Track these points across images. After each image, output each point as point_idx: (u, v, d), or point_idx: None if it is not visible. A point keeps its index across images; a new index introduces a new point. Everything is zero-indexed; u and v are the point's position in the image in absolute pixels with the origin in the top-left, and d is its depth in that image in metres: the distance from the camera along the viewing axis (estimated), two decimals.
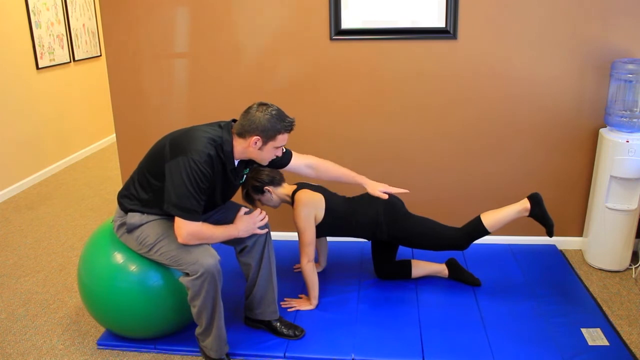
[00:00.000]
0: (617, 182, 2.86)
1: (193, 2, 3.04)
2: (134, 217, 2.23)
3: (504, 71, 2.98)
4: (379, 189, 2.50)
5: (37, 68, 4.71)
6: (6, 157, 4.39)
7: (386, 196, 2.51)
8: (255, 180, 2.62)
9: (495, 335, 2.42)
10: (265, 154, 2.18)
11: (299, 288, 2.83)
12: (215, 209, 2.37)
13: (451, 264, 2.87)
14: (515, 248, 3.22)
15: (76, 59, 5.28)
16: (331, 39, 3.02)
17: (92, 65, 5.62)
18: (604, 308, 2.63)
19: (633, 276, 2.94)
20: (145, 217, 2.23)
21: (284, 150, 2.43)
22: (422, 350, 2.34)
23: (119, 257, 2.30)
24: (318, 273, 2.78)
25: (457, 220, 3.26)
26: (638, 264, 2.99)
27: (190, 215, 2.06)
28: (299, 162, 2.48)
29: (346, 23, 2.98)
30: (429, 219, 2.66)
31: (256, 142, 2.12)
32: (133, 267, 2.27)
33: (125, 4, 3.08)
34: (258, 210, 2.33)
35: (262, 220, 2.30)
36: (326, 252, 3.01)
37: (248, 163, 2.36)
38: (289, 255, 3.18)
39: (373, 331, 2.48)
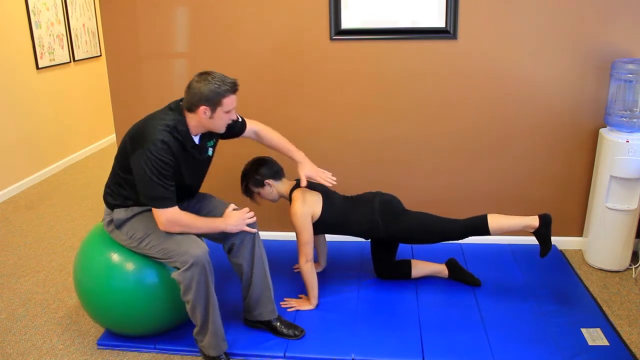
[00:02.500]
0: (617, 182, 2.86)
1: (193, 2, 3.04)
2: (120, 213, 2.28)
3: (504, 71, 2.98)
4: (305, 174, 2.50)
5: (37, 68, 4.71)
6: (6, 157, 4.39)
7: (305, 182, 2.50)
8: (256, 174, 2.63)
9: (495, 335, 2.42)
10: (218, 121, 2.19)
11: (299, 288, 2.83)
12: (192, 192, 2.38)
13: (451, 264, 2.87)
14: (515, 248, 3.22)
15: (76, 59, 5.28)
16: (331, 39, 3.02)
17: (92, 65, 5.62)
18: (604, 308, 2.63)
19: (633, 276, 2.94)
20: (130, 211, 2.27)
21: (239, 118, 2.45)
22: (422, 350, 2.34)
23: (114, 256, 2.30)
24: (318, 273, 2.78)
25: None
26: (638, 264, 2.99)
27: (162, 202, 2.11)
28: (249, 128, 2.53)
29: (346, 23, 2.98)
30: (425, 213, 2.66)
31: (205, 112, 2.14)
32: (129, 266, 2.28)
33: (125, 4, 3.08)
34: (246, 208, 2.35)
35: (250, 218, 2.33)
36: (326, 252, 3.01)
37: (212, 135, 2.35)
38: (289, 256, 3.17)
39: (373, 331, 2.48)
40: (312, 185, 2.68)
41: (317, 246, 2.95)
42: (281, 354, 2.36)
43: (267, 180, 2.64)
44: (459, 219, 2.62)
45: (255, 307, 2.46)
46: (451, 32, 2.93)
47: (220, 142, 3.20)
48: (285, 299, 2.72)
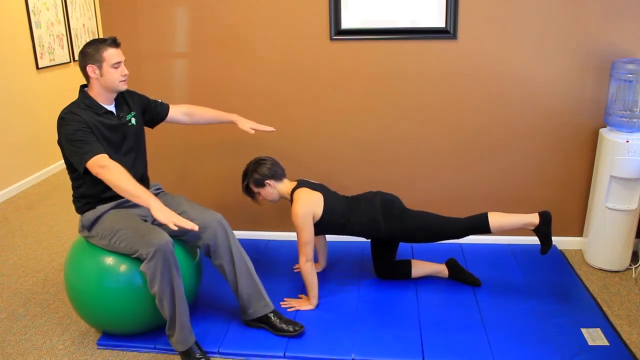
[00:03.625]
0: (617, 182, 2.86)
1: (193, 2, 3.04)
2: (88, 215, 2.34)
3: (504, 71, 2.98)
4: (248, 126, 2.69)
5: (37, 68, 4.71)
6: (6, 157, 4.39)
7: (253, 131, 2.68)
8: (257, 174, 2.64)
9: (495, 335, 2.42)
10: (109, 77, 2.28)
11: (299, 288, 2.83)
12: (138, 178, 2.37)
13: (451, 264, 2.87)
14: (515, 248, 3.22)
15: (76, 59, 5.28)
16: (331, 39, 3.01)
17: None
18: (604, 308, 2.63)
19: (633, 276, 2.94)
20: (98, 211, 2.34)
21: (160, 101, 2.61)
22: (422, 350, 2.34)
23: (102, 258, 2.32)
24: (318, 273, 2.78)
25: None
26: (638, 264, 2.99)
27: (88, 154, 2.18)
28: (176, 111, 2.65)
29: (346, 23, 2.98)
30: (426, 212, 2.66)
31: (94, 71, 2.27)
32: (119, 265, 2.30)
33: (125, 4, 3.08)
34: (189, 223, 2.14)
35: (179, 223, 2.11)
36: (326, 252, 3.01)
37: (130, 108, 2.45)
38: (289, 255, 3.18)
39: (373, 331, 2.48)
40: (313, 186, 2.69)
41: (318, 246, 2.96)
42: (281, 354, 2.35)
43: (267, 181, 2.64)
44: (459, 218, 2.62)
45: (249, 306, 2.47)
46: (451, 32, 2.93)
47: (221, 141, 3.21)
48: (285, 299, 2.72)
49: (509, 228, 2.56)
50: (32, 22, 4.59)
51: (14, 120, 4.48)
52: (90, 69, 2.26)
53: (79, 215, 2.42)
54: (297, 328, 2.45)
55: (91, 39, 2.27)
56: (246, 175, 2.69)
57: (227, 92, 3.17)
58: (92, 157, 2.17)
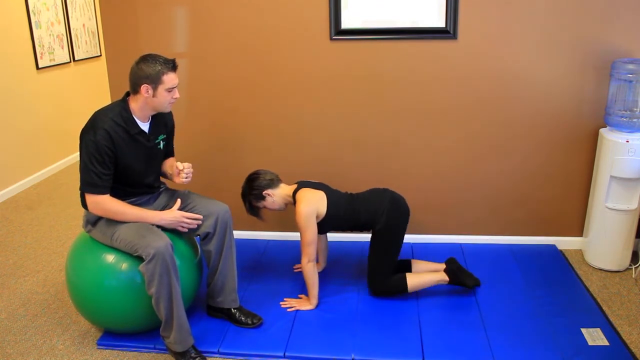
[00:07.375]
0: (617, 182, 2.86)
1: (193, 2, 3.04)
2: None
3: (504, 71, 2.98)
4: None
5: (37, 68, 4.71)
6: (6, 157, 4.39)
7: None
8: (254, 189, 2.64)
9: (495, 335, 2.42)
10: (161, 99, 2.27)
11: (299, 288, 2.83)
12: (148, 185, 2.45)
13: (451, 263, 2.86)
14: (515, 248, 3.22)
15: (76, 59, 5.28)
16: (331, 39, 3.01)
17: (92, 65, 5.61)
18: (604, 308, 2.63)
19: (633, 276, 2.94)
20: None
21: (173, 146, 2.60)
22: (422, 350, 2.34)
23: (104, 256, 2.33)
24: (318, 273, 2.77)
25: (456, 221, 3.26)
26: (638, 264, 2.99)
27: (90, 187, 2.24)
28: (168, 164, 2.60)
29: (346, 23, 2.98)
30: (398, 250, 2.69)
31: (148, 90, 2.24)
32: (123, 265, 2.30)
33: (125, 4, 3.08)
34: (195, 216, 2.39)
35: (189, 221, 2.38)
36: (326, 252, 3.01)
37: (164, 131, 2.46)
38: (289, 255, 3.17)
39: (373, 331, 2.48)
40: (314, 185, 2.69)
41: (318, 246, 2.95)
42: (281, 354, 2.36)
43: (265, 192, 2.64)
44: (395, 276, 2.68)
45: (219, 294, 2.52)
46: (451, 32, 2.93)
47: (221, 141, 3.20)
48: (285, 299, 2.72)
49: (425, 287, 2.70)
50: (32, 22, 4.59)
51: (13, 120, 4.48)
52: (144, 88, 2.23)
53: (80, 214, 2.42)
54: (255, 321, 2.51)
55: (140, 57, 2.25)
56: (245, 195, 2.70)
57: (227, 92, 3.17)
58: (87, 192, 2.25)
